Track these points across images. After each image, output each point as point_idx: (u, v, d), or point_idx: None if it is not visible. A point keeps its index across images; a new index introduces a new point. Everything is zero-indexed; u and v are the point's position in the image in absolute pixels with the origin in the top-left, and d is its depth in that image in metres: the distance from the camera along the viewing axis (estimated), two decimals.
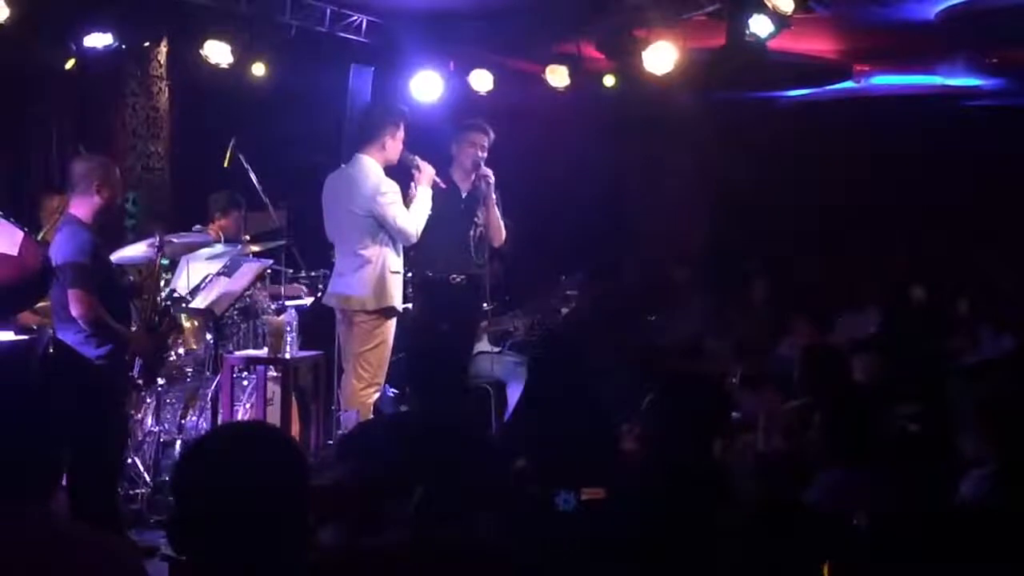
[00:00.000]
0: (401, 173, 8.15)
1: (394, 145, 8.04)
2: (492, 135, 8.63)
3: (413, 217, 7.94)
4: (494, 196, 8.60)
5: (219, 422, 7.89)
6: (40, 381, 6.23)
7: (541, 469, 4.66)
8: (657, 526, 3.94)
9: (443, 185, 8.26)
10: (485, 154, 8.59)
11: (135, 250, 7.57)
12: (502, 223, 8.71)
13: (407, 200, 8.01)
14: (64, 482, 6.42)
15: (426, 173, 8.12)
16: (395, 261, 7.98)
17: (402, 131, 8.09)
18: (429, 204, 8.09)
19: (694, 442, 4.47)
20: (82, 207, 6.63)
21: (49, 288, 6.60)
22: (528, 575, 3.65)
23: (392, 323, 8.01)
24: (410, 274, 8.71)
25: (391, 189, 7.90)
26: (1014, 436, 4.53)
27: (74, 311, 6.43)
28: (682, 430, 4.50)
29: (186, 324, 8.38)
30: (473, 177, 8.63)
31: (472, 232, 8.65)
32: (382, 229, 7.88)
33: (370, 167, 7.96)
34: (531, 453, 5.07)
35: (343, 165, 8.25)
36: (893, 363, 7.37)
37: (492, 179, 8.56)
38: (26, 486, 3.16)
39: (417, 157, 8.14)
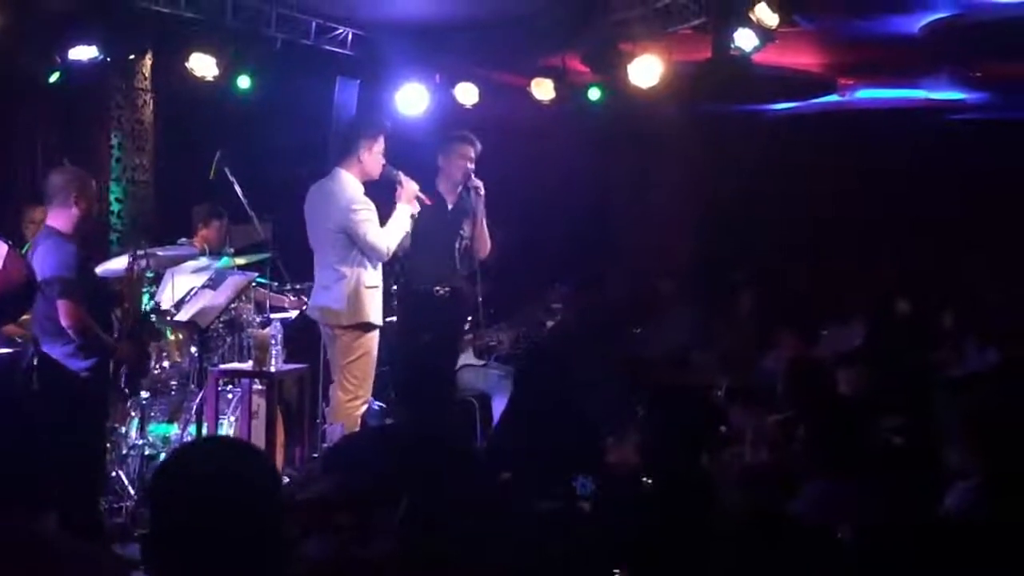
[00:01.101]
0: (387, 188, 8.15)
1: (371, 158, 8.02)
2: (479, 146, 8.64)
3: (386, 234, 7.92)
4: (483, 208, 8.61)
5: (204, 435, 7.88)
6: (24, 393, 6.27)
7: (527, 481, 4.66)
8: (649, 536, 3.95)
9: (428, 202, 8.26)
10: (473, 166, 8.60)
11: (119, 263, 7.60)
12: (487, 235, 8.72)
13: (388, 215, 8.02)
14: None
15: (408, 189, 8.09)
16: (371, 276, 7.97)
17: (380, 144, 8.05)
18: (408, 221, 8.08)
19: (685, 454, 4.49)
20: (61, 219, 6.69)
21: (33, 301, 6.62)
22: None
23: (374, 335, 8.01)
24: (395, 287, 8.75)
25: (364, 205, 7.88)
26: (999, 449, 4.55)
27: (63, 321, 6.50)
28: (675, 442, 4.52)
29: (171, 337, 8.39)
30: (460, 189, 8.64)
31: (457, 244, 8.66)
32: (354, 243, 7.88)
33: (346, 181, 7.95)
34: (516, 465, 5.08)
35: (321, 180, 8.23)
36: (878, 376, 7.40)
37: (483, 191, 8.57)
38: (11, 498, 3.16)
39: (401, 173, 8.12)
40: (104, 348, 6.73)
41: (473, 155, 8.62)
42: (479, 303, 8.95)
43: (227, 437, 7.31)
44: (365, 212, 7.86)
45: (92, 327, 6.63)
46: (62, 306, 6.53)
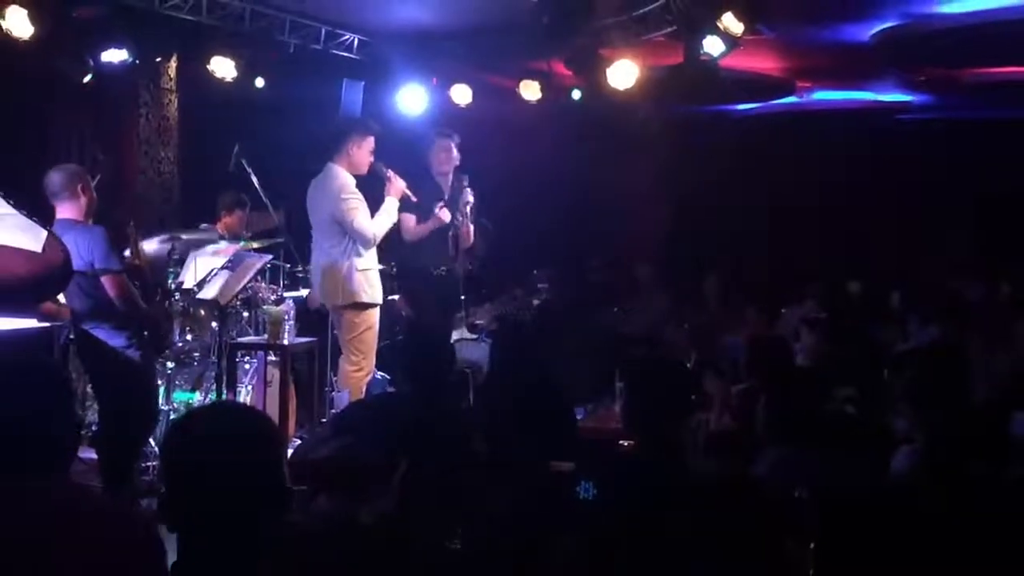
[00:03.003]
0: (380, 184, 8.16)
1: (360, 154, 8.04)
2: (457, 138, 8.71)
3: (374, 222, 7.94)
4: (469, 212, 8.62)
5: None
6: (59, 365, 6.26)
7: (500, 446, 4.59)
8: (628, 492, 3.94)
9: (414, 199, 8.27)
10: (455, 153, 8.63)
11: (147, 246, 7.65)
12: (472, 231, 8.74)
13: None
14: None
15: (395, 185, 8.12)
16: (363, 260, 7.97)
17: (370, 143, 8.08)
18: (395, 213, 8.11)
19: (663, 418, 4.46)
20: (73, 210, 6.74)
21: (69, 281, 6.63)
22: (502, 538, 3.66)
23: (373, 312, 8.03)
24: (395, 269, 8.78)
25: (352, 194, 7.90)
26: (939, 416, 4.56)
27: (111, 293, 6.61)
28: (653, 408, 4.49)
29: (193, 313, 8.39)
30: (451, 180, 8.67)
31: (450, 232, 8.69)
32: (345, 230, 7.90)
33: (336, 173, 7.98)
34: (490, 432, 5.02)
35: (319, 174, 8.23)
36: (833, 350, 7.40)
37: (472, 202, 8.59)
38: (47, 460, 3.15)
39: (389, 169, 8.14)
40: (141, 314, 6.78)
41: (451, 146, 8.67)
42: (467, 283, 9.00)
43: (230, 401, 7.35)
44: (353, 201, 7.89)
45: (133, 295, 6.72)
46: (108, 281, 6.60)
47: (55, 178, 6.82)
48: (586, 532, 3.69)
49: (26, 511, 3.02)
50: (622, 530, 3.71)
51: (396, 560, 3.42)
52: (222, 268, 8.12)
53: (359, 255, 7.93)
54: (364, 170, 8.06)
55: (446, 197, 8.66)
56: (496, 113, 11.26)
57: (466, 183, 8.65)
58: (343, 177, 7.95)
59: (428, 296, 8.58)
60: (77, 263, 6.58)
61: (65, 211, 6.74)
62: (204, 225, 8.93)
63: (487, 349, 9.02)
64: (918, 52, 10.23)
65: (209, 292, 8.06)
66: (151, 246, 7.74)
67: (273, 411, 7.83)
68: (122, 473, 6.74)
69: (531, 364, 5.93)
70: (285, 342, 7.90)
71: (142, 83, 10.05)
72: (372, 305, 8.00)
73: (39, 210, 7.00)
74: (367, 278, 7.98)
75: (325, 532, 3.53)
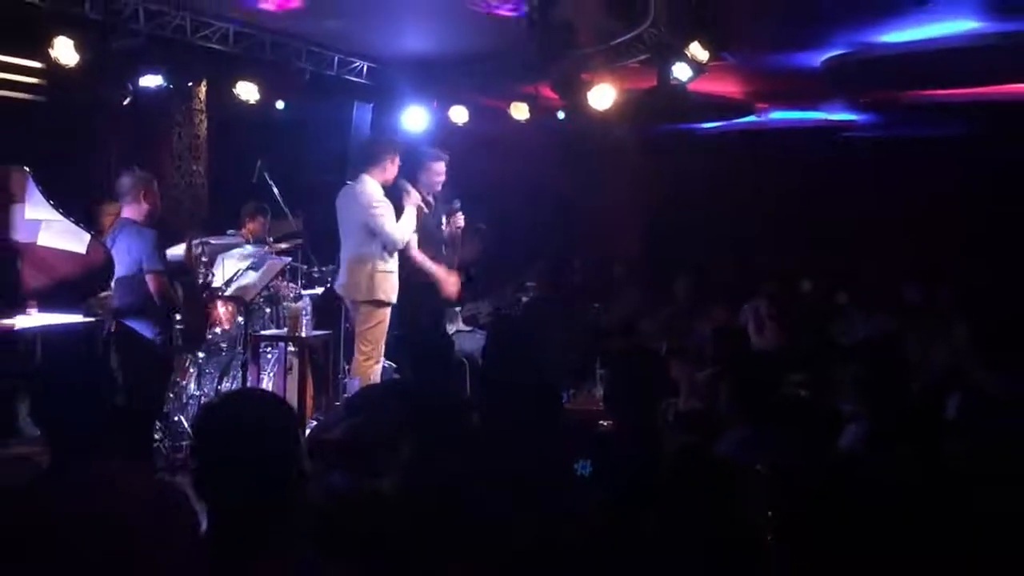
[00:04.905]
0: (396, 195, 8.18)
1: (392, 169, 8.09)
2: (445, 158, 8.61)
3: (400, 227, 7.96)
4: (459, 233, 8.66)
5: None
6: (102, 353, 6.26)
7: (495, 427, 4.58)
8: (607, 468, 3.95)
9: (427, 209, 8.29)
10: (443, 177, 8.58)
11: (179, 249, 7.69)
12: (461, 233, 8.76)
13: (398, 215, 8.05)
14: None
15: (413, 196, 8.16)
16: (385, 263, 7.98)
17: (399, 159, 8.12)
18: (414, 221, 8.11)
19: (638, 402, 4.46)
20: (133, 212, 6.86)
21: (111, 279, 6.66)
22: (496, 510, 3.66)
23: (387, 309, 8.02)
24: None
25: (383, 203, 7.92)
26: (880, 401, 4.57)
27: (151, 288, 6.71)
28: (629, 392, 4.49)
29: (221, 308, 8.41)
30: (437, 195, 8.63)
31: (444, 239, 8.71)
32: (374, 235, 7.89)
33: (369, 184, 7.98)
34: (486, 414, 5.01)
35: (349, 182, 8.24)
36: (788, 340, 7.42)
37: (462, 224, 8.65)
38: (93, 437, 3.15)
39: (408, 184, 8.19)
40: (177, 311, 6.81)
41: (443, 169, 8.58)
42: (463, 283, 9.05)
43: (254, 388, 7.36)
44: (383, 208, 7.91)
45: (171, 292, 6.82)
46: (151, 280, 6.71)
47: (123, 181, 6.96)
48: (586, 506, 3.70)
49: (72, 487, 3.03)
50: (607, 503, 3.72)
51: (405, 532, 3.42)
52: (247, 269, 8.15)
53: (383, 258, 7.94)
54: (391, 182, 8.12)
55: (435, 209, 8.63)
56: (489, 131, 11.26)
57: (456, 220, 8.66)
58: (376, 188, 7.97)
59: (430, 298, 8.56)
60: (126, 261, 6.64)
61: (127, 211, 6.88)
62: (230, 231, 8.95)
63: (482, 340, 9.03)
64: (862, 77, 10.25)
65: (235, 290, 8.08)
66: (181, 250, 7.76)
67: (292, 396, 7.85)
68: (140, 448, 6.74)
69: (522, 353, 5.91)
70: (303, 335, 7.91)
71: (175, 105, 10.04)
72: (387, 303, 8.01)
73: (85, 216, 7.04)
74: (387, 279, 7.98)
75: (339, 506, 3.52)
